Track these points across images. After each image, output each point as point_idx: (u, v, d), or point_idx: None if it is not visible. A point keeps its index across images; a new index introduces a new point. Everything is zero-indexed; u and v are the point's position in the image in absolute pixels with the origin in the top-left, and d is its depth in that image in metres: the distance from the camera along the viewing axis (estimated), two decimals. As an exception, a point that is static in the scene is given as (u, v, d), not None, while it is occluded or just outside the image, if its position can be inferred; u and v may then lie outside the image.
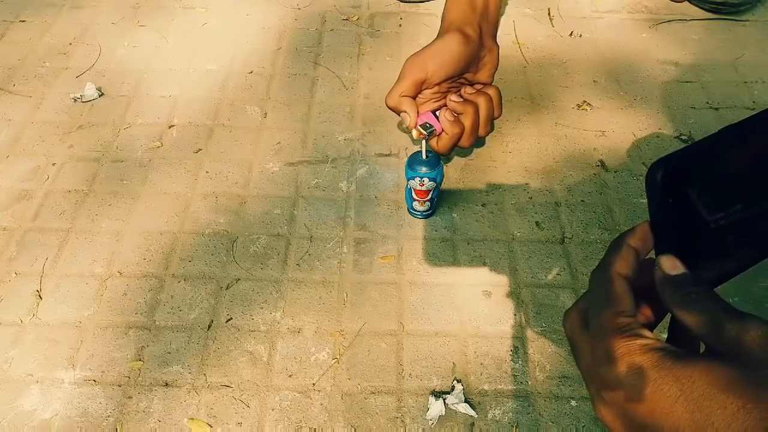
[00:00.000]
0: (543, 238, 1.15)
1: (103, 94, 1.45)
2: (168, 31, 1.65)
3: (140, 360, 0.98)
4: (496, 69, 1.04)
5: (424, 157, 1.06)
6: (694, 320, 0.32)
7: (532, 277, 1.09)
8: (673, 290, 0.33)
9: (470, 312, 1.03)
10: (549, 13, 1.72)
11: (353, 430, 0.90)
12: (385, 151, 1.32)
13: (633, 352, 0.31)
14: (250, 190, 1.24)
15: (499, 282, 1.08)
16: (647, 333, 0.33)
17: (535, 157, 1.31)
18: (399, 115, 1.02)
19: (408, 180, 1.09)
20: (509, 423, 0.90)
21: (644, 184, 0.36)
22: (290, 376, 0.96)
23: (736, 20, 1.69)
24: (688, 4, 1.75)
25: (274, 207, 1.21)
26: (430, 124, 1.00)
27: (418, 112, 1.00)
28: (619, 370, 0.31)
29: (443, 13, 1.03)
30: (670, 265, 0.34)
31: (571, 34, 1.64)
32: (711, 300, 0.32)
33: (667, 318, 0.39)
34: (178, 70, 1.52)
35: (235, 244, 1.14)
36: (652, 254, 0.42)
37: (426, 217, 1.17)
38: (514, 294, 1.06)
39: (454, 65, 0.96)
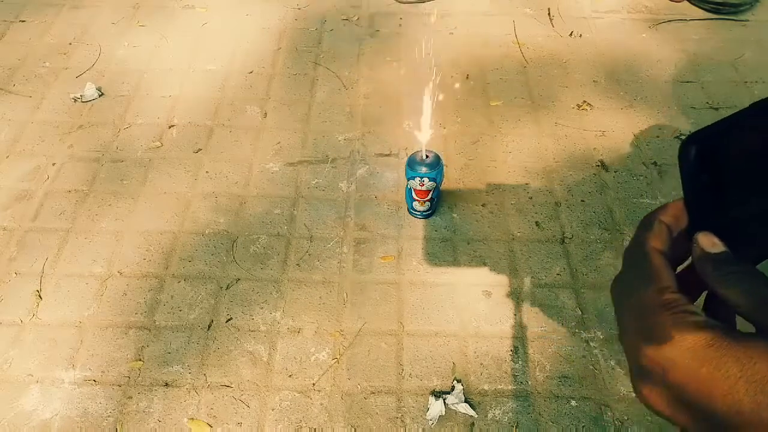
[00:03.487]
0: (543, 238, 1.15)
1: (103, 94, 1.45)
2: (168, 31, 1.65)
3: (140, 360, 0.98)
4: None
5: (424, 157, 1.06)
6: (740, 299, 0.31)
7: (532, 277, 1.09)
8: (715, 268, 0.33)
9: (470, 312, 1.03)
10: (549, 13, 1.72)
11: (353, 430, 0.90)
12: (385, 151, 1.32)
13: (685, 329, 0.30)
14: (250, 190, 1.24)
15: (499, 282, 1.08)
16: (697, 310, 0.31)
17: (535, 157, 1.31)
18: None
19: (408, 180, 1.09)
20: (509, 423, 0.90)
21: (677, 159, 0.34)
22: (290, 376, 0.96)
23: (736, 20, 1.69)
24: (688, 4, 1.75)
25: (274, 207, 1.21)
26: None
27: None
28: (671, 349, 0.30)
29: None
30: (709, 243, 0.34)
31: (571, 34, 1.64)
32: (757, 278, 0.31)
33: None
34: (178, 70, 1.52)
35: (235, 244, 1.14)
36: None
37: (426, 217, 1.17)
38: (514, 294, 1.06)
39: None
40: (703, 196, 0.34)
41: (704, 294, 0.36)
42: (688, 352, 0.29)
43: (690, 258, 0.35)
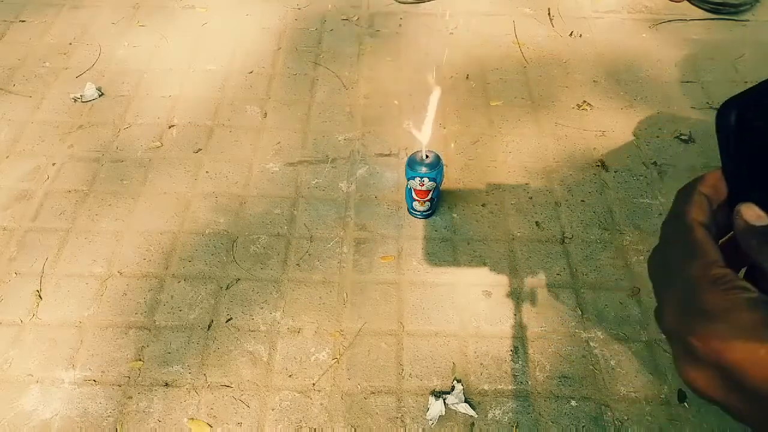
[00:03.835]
0: (543, 238, 1.15)
1: (103, 94, 1.45)
2: (168, 31, 1.65)
3: (140, 360, 0.98)
4: None
5: (424, 157, 1.06)
6: None
7: (532, 277, 1.09)
8: (761, 241, 0.31)
9: (470, 312, 1.03)
10: (549, 13, 1.72)
11: (353, 430, 0.90)
12: (385, 151, 1.32)
13: (739, 307, 0.28)
14: (250, 190, 1.24)
15: (499, 282, 1.08)
16: (749, 285, 0.29)
17: (535, 157, 1.31)
18: None
19: (408, 180, 1.09)
20: (509, 423, 0.90)
21: (715, 126, 0.33)
22: (290, 376, 0.96)
23: (736, 20, 1.69)
24: (688, 4, 1.75)
25: (274, 207, 1.21)
26: None
27: None
28: (725, 328, 0.28)
29: None
30: (753, 215, 0.32)
31: (571, 34, 1.64)
32: None
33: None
34: (178, 70, 1.52)
35: (235, 244, 1.14)
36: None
37: (426, 217, 1.17)
38: (514, 294, 1.06)
39: None
40: (742, 165, 0.32)
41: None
42: (745, 331, 0.27)
43: (731, 231, 0.33)
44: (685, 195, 0.33)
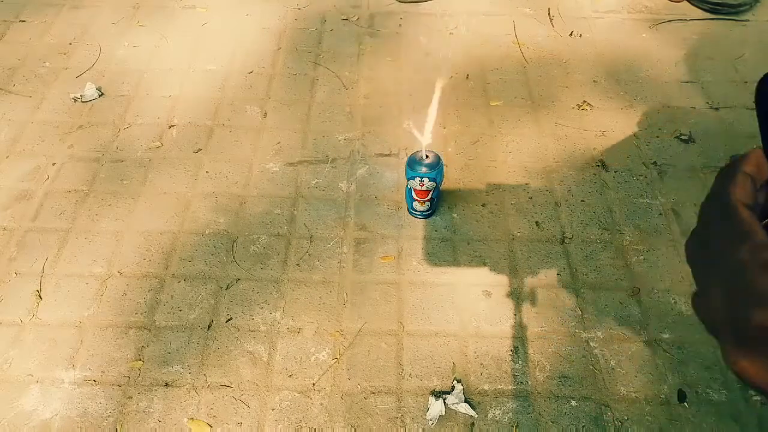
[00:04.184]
0: (543, 238, 1.15)
1: (103, 94, 1.45)
2: (168, 31, 1.65)
3: (140, 360, 0.98)
4: None
5: (424, 157, 1.06)
6: None
7: (532, 277, 1.09)
8: None
9: (470, 312, 1.03)
10: (549, 13, 1.72)
11: (353, 430, 0.90)
12: (385, 151, 1.32)
13: None
14: (250, 190, 1.24)
15: (499, 282, 1.08)
16: None
17: (535, 157, 1.31)
18: None
19: (408, 180, 1.09)
20: (509, 423, 0.90)
21: (755, 99, 0.31)
22: (290, 376, 0.96)
23: (736, 20, 1.69)
24: (688, 4, 1.75)
25: (274, 207, 1.21)
26: None
27: None
28: None
29: None
30: None
31: (571, 34, 1.64)
32: None
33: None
34: (178, 70, 1.52)
35: (235, 244, 1.14)
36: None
37: (426, 217, 1.17)
38: (514, 294, 1.06)
39: None
40: None
41: None
42: None
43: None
44: (726, 175, 0.32)
